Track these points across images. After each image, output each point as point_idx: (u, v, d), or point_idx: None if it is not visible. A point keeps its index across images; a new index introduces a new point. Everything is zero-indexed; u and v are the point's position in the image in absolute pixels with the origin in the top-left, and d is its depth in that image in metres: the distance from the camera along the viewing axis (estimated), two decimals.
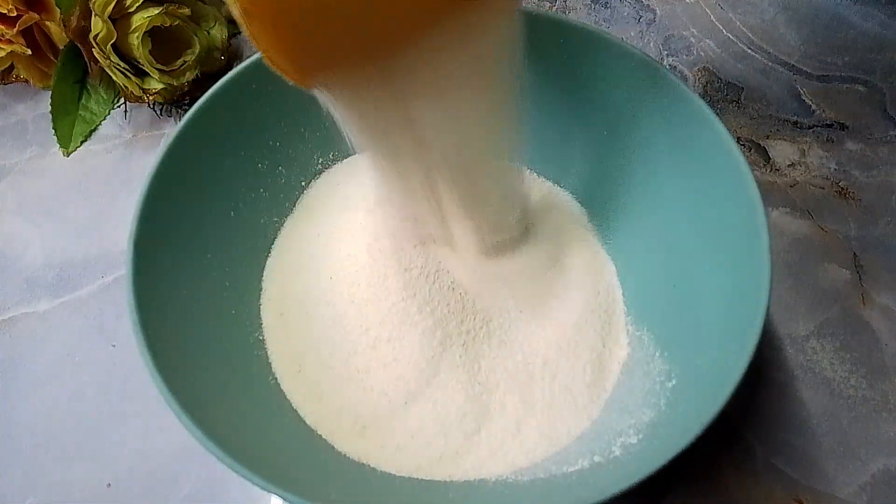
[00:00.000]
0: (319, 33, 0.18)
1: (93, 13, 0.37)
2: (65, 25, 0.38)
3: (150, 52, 0.38)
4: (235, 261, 0.31)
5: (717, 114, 0.27)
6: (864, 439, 0.30)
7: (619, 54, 0.30)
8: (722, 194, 0.27)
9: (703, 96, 0.34)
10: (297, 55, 0.19)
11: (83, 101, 0.41)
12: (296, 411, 0.28)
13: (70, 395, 0.32)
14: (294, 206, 0.34)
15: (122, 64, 0.38)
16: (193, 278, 0.28)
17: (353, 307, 0.30)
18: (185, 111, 0.29)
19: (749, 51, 0.43)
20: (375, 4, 0.18)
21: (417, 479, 0.26)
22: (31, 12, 0.38)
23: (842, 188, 0.37)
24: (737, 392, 0.22)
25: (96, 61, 0.38)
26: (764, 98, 0.41)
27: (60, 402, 0.32)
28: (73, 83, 0.41)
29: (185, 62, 0.39)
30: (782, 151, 0.39)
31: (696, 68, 0.42)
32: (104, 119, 0.41)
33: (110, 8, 0.36)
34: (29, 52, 0.39)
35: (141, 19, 0.37)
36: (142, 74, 0.39)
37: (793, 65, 0.42)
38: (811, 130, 0.39)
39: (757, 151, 0.39)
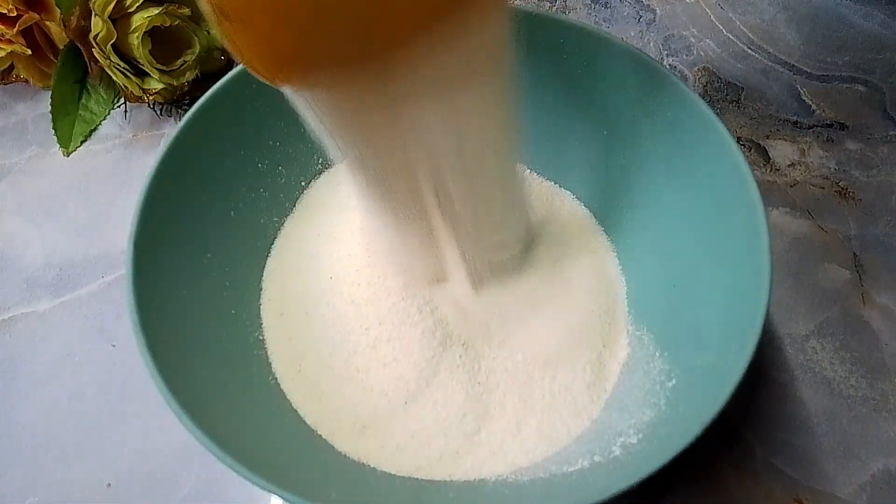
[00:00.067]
0: (301, 34, 0.17)
1: (93, 13, 0.37)
2: (65, 25, 0.38)
3: (150, 52, 0.38)
4: (235, 261, 0.31)
5: (717, 114, 0.27)
6: (864, 439, 0.30)
7: (619, 54, 0.30)
8: (722, 194, 0.27)
9: (703, 96, 0.34)
10: (277, 57, 0.18)
11: (83, 101, 0.41)
12: (296, 411, 0.28)
13: (70, 395, 0.32)
14: (294, 206, 0.34)
15: (122, 64, 0.38)
16: (193, 278, 0.28)
17: (353, 307, 0.30)
18: (185, 111, 0.29)
19: (749, 51, 0.43)
20: (365, 4, 0.17)
21: (417, 478, 0.26)
22: (31, 12, 0.38)
23: (842, 188, 0.37)
24: (737, 392, 0.22)
25: (96, 61, 0.38)
26: (764, 98, 0.41)
27: (60, 402, 0.32)
28: (73, 83, 0.41)
29: (185, 62, 0.39)
30: (782, 151, 0.39)
31: (696, 68, 0.42)
32: (104, 119, 0.41)
33: (110, 8, 0.36)
34: (29, 52, 0.39)
35: (141, 19, 0.37)
36: (142, 74, 0.39)
37: (793, 65, 0.42)
38: (811, 130, 0.39)
39: (757, 151, 0.39)
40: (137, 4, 0.37)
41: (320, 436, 0.27)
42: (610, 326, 0.30)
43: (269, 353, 0.30)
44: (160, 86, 0.39)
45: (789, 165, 0.38)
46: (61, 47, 0.39)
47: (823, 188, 0.37)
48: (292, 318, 0.30)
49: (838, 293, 0.34)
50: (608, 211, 0.33)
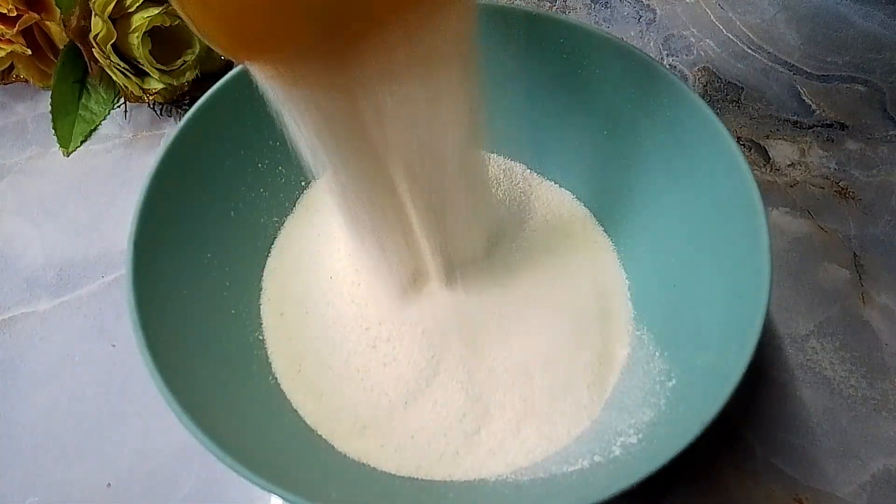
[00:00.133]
0: (263, 15, 0.16)
1: (93, 13, 0.37)
2: (65, 25, 0.38)
3: (150, 51, 0.38)
4: (235, 261, 0.31)
5: (717, 114, 0.27)
6: (864, 439, 0.30)
7: (619, 54, 0.30)
8: (722, 194, 0.27)
9: (703, 96, 0.34)
10: (237, 36, 0.17)
11: (83, 101, 0.41)
12: (296, 411, 0.28)
13: (70, 395, 0.32)
14: (294, 206, 0.34)
15: (122, 64, 0.38)
16: (193, 278, 0.28)
17: (353, 307, 0.30)
18: (185, 111, 0.29)
19: (749, 50, 0.43)
20: None
21: (417, 478, 0.26)
22: (31, 12, 0.38)
23: (842, 188, 0.37)
24: (737, 392, 0.22)
25: (96, 61, 0.38)
26: (764, 98, 0.41)
27: (60, 402, 0.32)
28: (73, 83, 0.41)
29: (185, 62, 0.39)
30: (782, 151, 0.39)
31: (696, 68, 0.42)
32: (104, 119, 0.41)
33: (110, 8, 0.36)
34: (29, 51, 0.39)
35: (141, 19, 0.37)
36: (142, 74, 0.39)
37: (793, 64, 0.42)
38: (811, 130, 0.39)
39: (757, 151, 0.39)
40: (137, 4, 0.37)
41: (320, 436, 0.27)
42: (610, 326, 0.30)
43: (269, 352, 0.30)
44: (160, 86, 0.39)
45: (789, 165, 0.38)
46: (61, 47, 0.39)
47: (823, 188, 0.37)
48: (292, 318, 0.30)
49: (838, 293, 0.34)
50: (608, 211, 0.33)
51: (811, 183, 0.37)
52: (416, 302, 0.30)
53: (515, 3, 0.45)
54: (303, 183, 0.34)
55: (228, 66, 0.29)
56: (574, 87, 0.32)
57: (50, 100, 0.40)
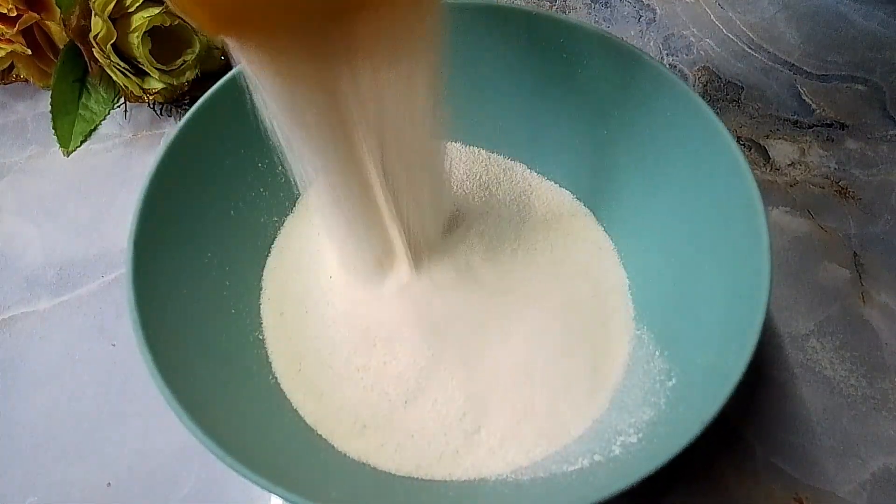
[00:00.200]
0: None
1: (93, 13, 0.37)
2: (65, 25, 0.38)
3: (150, 51, 0.38)
4: (235, 260, 0.31)
5: (717, 113, 0.27)
6: (864, 438, 0.30)
7: (619, 54, 0.30)
8: (722, 194, 0.27)
9: (703, 96, 0.34)
10: (219, 8, 0.18)
11: (83, 100, 0.41)
12: (296, 411, 0.28)
13: (70, 395, 0.32)
14: (294, 205, 0.34)
15: (122, 63, 0.38)
16: (193, 277, 0.28)
17: (354, 306, 0.30)
18: (185, 111, 0.29)
19: (749, 50, 0.43)
20: None
21: (417, 478, 0.26)
22: (31, 12, 0.38)
23: (842, 187, 0.37)
24: (737, 391, 0.22)
25: (96, 61, 0.38)
26: (764, 97, 0.41)
27: (60, 402, 0.32)
28: (73, 82, 0.41)
29: (185, 62, 0.39)
30: (782, 150, 0.39)
31: (696, 68, 0.42)
32: (104, 119, 0.41)
33: (110, 7, 0.36)
34: (29, 51, 0.39)
35: (141, 19, 0.37)
36: (142, 74, 0.39)
37: (793, 64, 0.42)
38: (811, 129, 0.39)
39: (757, 151, 0.39)
40: (137, 4, 0.37)
41: (320, 435, 0.27)
42: (610, 325, 0.30)
43: (269, 352, 0.30)
44: (160, 85, 0.39)
45: (789, 165, 0.38)
46: (61, 47, 0.39)
47: (823, 187, 0.37)
48: (292, 318, 0.30)
49: (838, 292, 0.34)
50: (608, 210, 0.33)
51: (811, 182, 0.37)
52: (416, 301, 0.29)
53: (515, 3, 0.44)
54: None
55: (228, 66, 0.29)
56: (574, 86, 0.32)
57: (50, 99, 0.40)
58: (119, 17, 0.37)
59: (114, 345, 0.33)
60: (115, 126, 0.41)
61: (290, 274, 0.32)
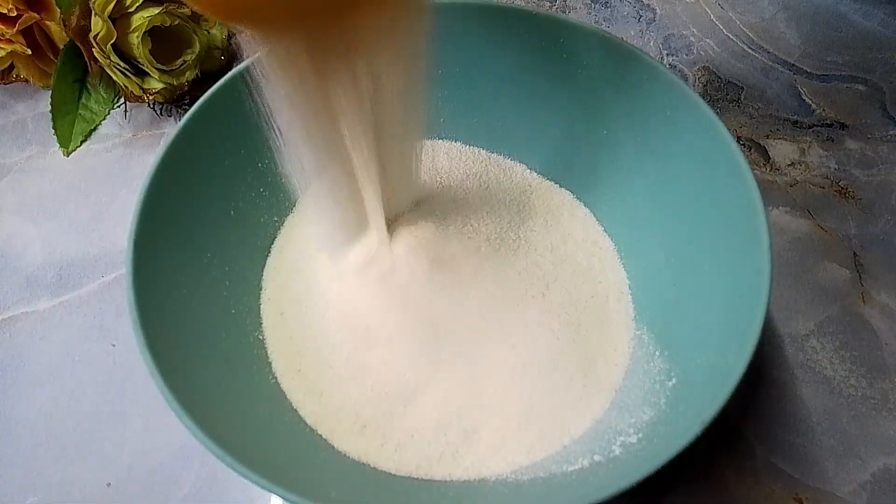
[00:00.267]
0: None
1: (93, 12, 0.37)
2: (65, 25, 0.38)
3: (150, 51, 0.38)
4: (235, 260, 0.31)
5: (718, 113, 0.27)
6: (863, 438, 0.30)
7: (619, 54, 0.30)
8: (722, 194, 0.27)
9: (703, 96, 0.34)
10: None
11: (83, 100, 0.41)
12: (296, 411, 0.28)
13: (70, 395, 0.32)
14: (294, 205, 0.34)
15: (122, 63, 0.38)
16: (193, 277, 0.28)
17: (353, 306, 0.30)
18: (185, 111, 0.29)
19: (749, 50, 0.43)
20: None
21: (417, 478, 0.26)
22: (31, 12, 0.38)
23: (842, 187, 0.37)
24: (737, 391, 0.22)
25: (96, 61, 0.38)
26: (764, 97, 0.41)
27: (60, 402, 0.32)
28: (73, 82, 0.41)
29: (185, 62, 0.39)
30: (782, 151, 0.39)
31: (696, 68, 0.42)
32: (104, 119, 0.41)
33: (110, 7, 0.36)
34: (29, 51, 0.39)
35: (141, 19, 0.37)
36: (142, 74, 0.39)
37: (793, 64, 0.42)
38: (811, 130, 0.39)
39: (757, 151, 0.39)
40: (137, 4, 0.37)
41: (320, 435, 0.27)
42: (610, 326, 0.30)
43: (269, 352, 0.30)
44: (160, 85, 0.39)
45: (789, 165, 0.38)
46: (61, 47, 0.39)
47: (823, 187, 0.37)
48: (292, 318, 0.30)
49: (838, 292, 0.34)
50: (608, 210, 0.33)
51: (811, 182, 0.37)
52: (416, 302, 0.29)
53: (515, 3, 0.44)
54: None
55: (228, 66, 0.29)
56: (574, 86, 0.32)
57: (50, 99, 0.40)
58: (119, 17, 0.37)
59: (114, 345, 0.33)
60: (115, 126, 0.41)
61: (290, 274, 0.32)
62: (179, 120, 0.29)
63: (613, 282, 0.32)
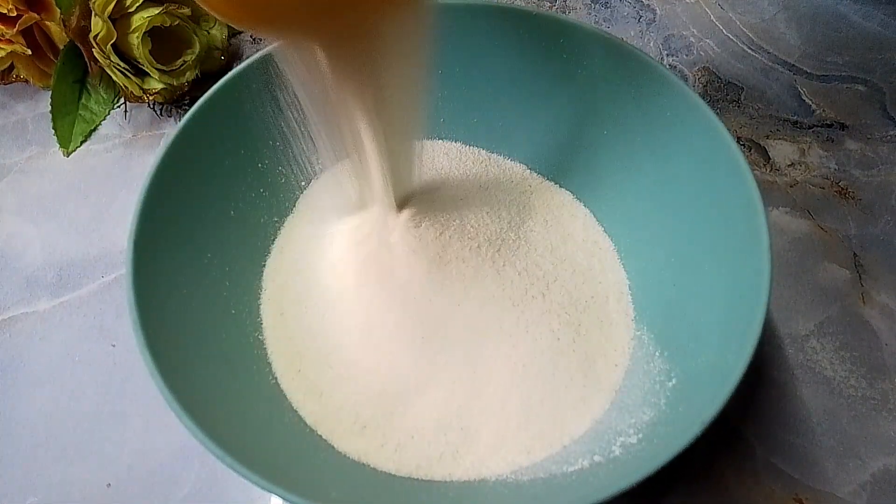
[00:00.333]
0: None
1: (93, 13, 0.37)
2: (65, 25, 0.38)
3: (150, 51, 0.38)
4: (235, 260, 0.31)
5: (717, 113, 0.27)
6: (863, 438, 0.30)
7: (619, 54, 0.30)
8: (722, 194, 0.27)
9: (703, 96, 0.34)
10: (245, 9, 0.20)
11: (83, 100, 0.41)
12: (296, 411, 0.28)
13: (70, 395, 0.32)
14: (294, 206, 0.34)
15: (122, 64, 0.38)
16: (193, 278, 0.28)
17: (353, 306, 0.30)
18: (185, 111, 0.29)
19: (749, 50, 0.43)
20: None
21: (417, 478, 0.26)
22: (31, 12, 0.38)
23: (842, 188, 0.37)
24: (737, 392, 0.22)
25: (96, 61, 0.38)
26: (764, 98, 0.41)
27: (60, 402, 0.32)
28: (73, 83, 0.41)
29: (185, 62, 0.39)
30: (782, 151, 0.39)
31: (696, 68, 0.42)
32: (104, 119, 0.41)
33: (110, 8, 0.36)
34: (29, 51, 0.39)
35: (141, 19, 0.37)
36: (142, 74, 0.39)
37: (793, 64, 0.42)
38: (811, 130, 0.39)
39: (757, 151, 0.39)
40: (137, 4, 0.37)
41: (320, 435, 0.27)
42: (610, 326, 0.30)
43: (269, 353, 0.30)
44: (160, 86, 0.39)
45: (789, 165, 0.38)
46: (61, 47, 0.39)
47: (823, 188, 0.37)
48: (292, 318, 0.30)
49: (838, 292, 0.34)
50: (608, 210, 0.33)
51: (811, 183, 0.37)
52: (416, 302, 0.30)
53: (515, 3, 0.45)
54: (303, 183, 0.34)
55: (228, 66, 0.29)
56: (574, 86, 0.32)
57: (50, 100, 0.40)
58: (119, 18, 0.37)
59: (114, 345, 0.33)
60: (115, 126, 0.41)
61: (290, 274, 0.32)
62: (179, 120, 0.29)
63: (613, 282, 0.32)
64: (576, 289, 0.31)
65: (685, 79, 0.42)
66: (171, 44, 0.39)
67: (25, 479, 0.30)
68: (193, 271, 0.29)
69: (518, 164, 0.35)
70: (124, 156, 0.40)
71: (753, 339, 0.23)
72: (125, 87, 0.38)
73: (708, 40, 0.44)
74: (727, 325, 0.25)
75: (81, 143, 0.40)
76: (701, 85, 0.42)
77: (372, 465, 0.27)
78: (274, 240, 0.33)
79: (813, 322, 0.33)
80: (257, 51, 0.31)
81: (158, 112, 0.41)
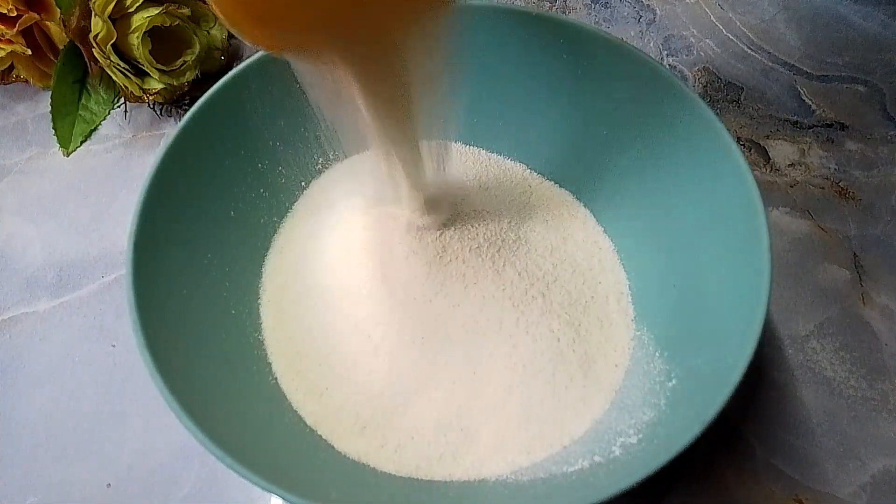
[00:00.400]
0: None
1: (93, 13, 0.37)
2: (65, 25, 0.38)
3: (150, 52, 0.38)
4: (235, 260, 0.31)
5: (717, 114, 0.27)
6: (863, 439, 0.30)
7: (619, 54, 0.30)
8: (722, 194, 0.27)
9: (703, 96, 0.34)
10: (262, 22, 0.20)
11: (83, 101, 0.41)
12: (296, 411, 0.28)
13: (70, 395, 0.32)
14: (294, 206, 0.34)
15: (122, 64, 0.38)
16: (193, 278, 0.28)
17: (353, 307, 0.30)
18: (185, 111, 0.29)
19: (749, 51, 0.43)
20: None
21: (417, 478, 0.26)
22: (31, 12, 0.38)
23: (842, 188, 0.37)
24: (737, 392, 0.22)
25: (96, 61, 0.38)
26: (764, 98, 0.41)
27: (60, 402, 0.32)
28: (73, 83, 0.41)
29: (185, 62, 0.39)
30: (782, 151, 0.39)
31: (696, 68, 0.42)
32: (104, 119, 0.41)
33: (110, 8, 0.36)
34: (29, 52, 0.39)
35: (141, 19, 0.37)
36: (142, 74, 0.39)
37: (793, 65, 0.42)
38: (811, 130, 0.39)
39: (757, 151, 0.39)
40: (137, 4, 0.37)
41: (320, 436, 0.27)
42: (610, 326, 0.30)
43: (269, 353, 0.30)
44: (160, 86, 0.39)
45: (789, 165, 0.38)
46: (61, 47, 0.39)
47: (823, 188, 0.37)
48: (292, 318, 0.30)
49: (838, 293, 0.34)
50: (608, 210, 0.33)
51: (811, 183, 0.37)
52: (416, 301, 0.30)
53: (515, 3, 0.45)
54: (303, 183, 0.34)
55: (228, 66, 0.29)
56: (574, 87, 0.32)
57: (50, 100, 0.40)
58: (119, 18, 0.37)
59: (114, 345, 0.33)
60: (115, 126, 0.41)
61: (290, 274, 0.32)
62: (179, 120, 0.29)
63: (613, 282, 0.32)
64: (576, 289, 0.31)
65: (685, 79, 0.42)
66: (171, 44, 0.39)
67: (25, 479, 0.30)
68: (193, 271, 0.29)
69: (518, 164, 0.35)
70: (124, 156, 0.40)
71: (753, 340, 0.23)
72: (125, 87, 0.38)
73: (708, 40, 0.44)
74: (727, 325, 0.25)
75: (81, 143, 0.40)
76: (701, 85, 0.42)
77: (372, 466, 0.27)
78: (273, 240, 0.33)
79: (813, 323, 0.33)
80: (257, 51, 0.31)
81: (158, 112, 0.41)
